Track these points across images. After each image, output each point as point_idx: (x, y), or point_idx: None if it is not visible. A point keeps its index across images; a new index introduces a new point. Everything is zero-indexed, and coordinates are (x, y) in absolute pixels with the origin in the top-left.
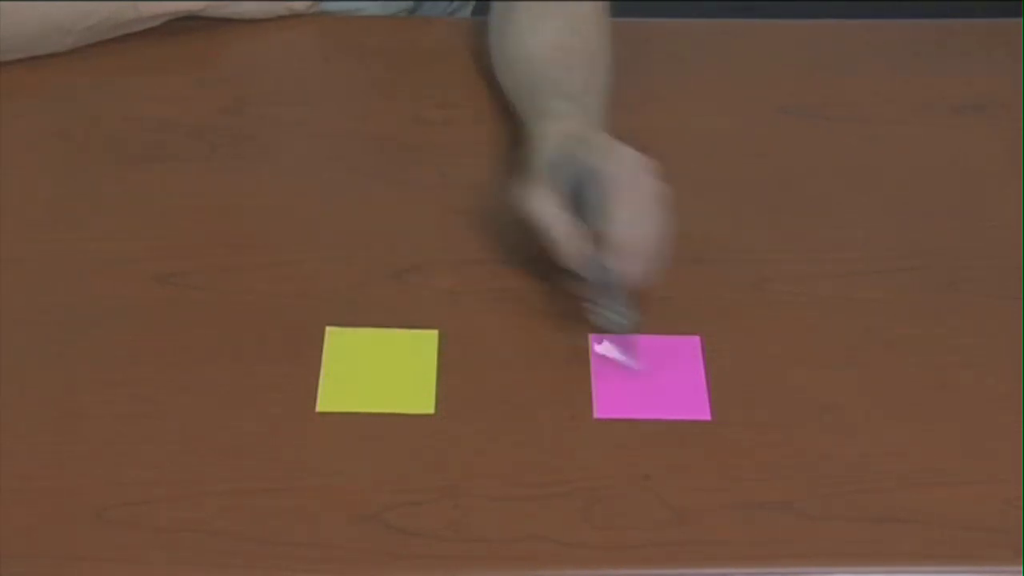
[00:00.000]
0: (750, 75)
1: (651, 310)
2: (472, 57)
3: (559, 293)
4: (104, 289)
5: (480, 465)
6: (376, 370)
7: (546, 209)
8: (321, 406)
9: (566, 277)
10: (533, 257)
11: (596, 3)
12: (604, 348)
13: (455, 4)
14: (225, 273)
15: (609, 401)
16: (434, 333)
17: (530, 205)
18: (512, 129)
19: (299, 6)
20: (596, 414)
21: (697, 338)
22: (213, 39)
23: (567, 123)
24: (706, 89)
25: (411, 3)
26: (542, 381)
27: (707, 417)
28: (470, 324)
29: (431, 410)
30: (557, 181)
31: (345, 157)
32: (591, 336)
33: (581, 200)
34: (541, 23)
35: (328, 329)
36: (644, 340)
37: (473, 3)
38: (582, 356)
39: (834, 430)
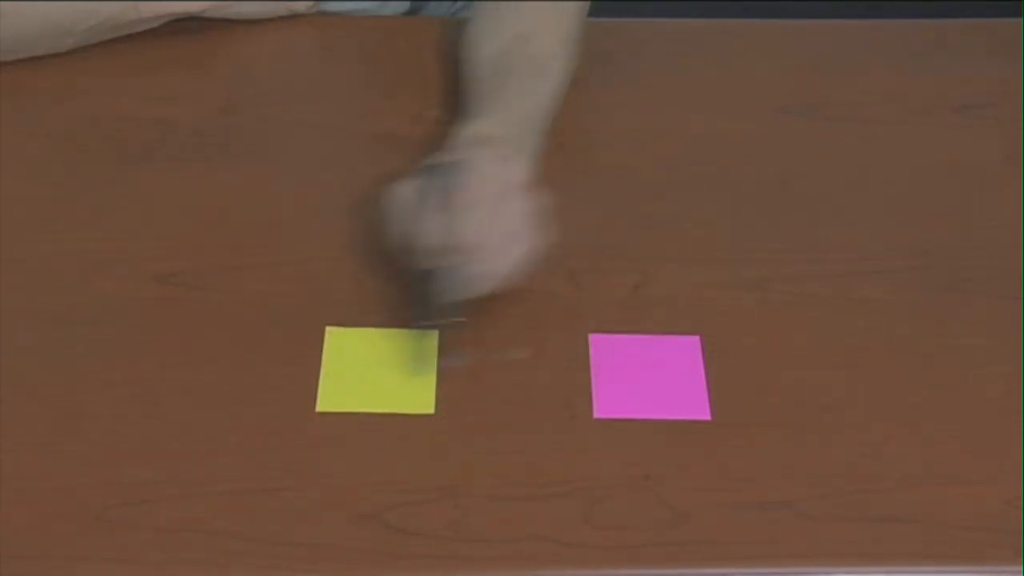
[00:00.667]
0: (750, 75)
1: (651, 310)
2: None
3: (559, 293)
4: (104, 289)
5: (480, 465)
6: (376, 370)
7: (396, 203)
8: (321, 406)
9: (406, 276)
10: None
11: (559, 5)
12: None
13: (455, 4)
14: (225, 273)
15: (609, 401)
16: (434, 333)
17: (386, 199)
18: None
19: (299, 6)
20: (596, 414)
21: (697, 338)
22: (213, 39)
23: (480, 124)
24: (706, 89)
25: (411, 3)
26: (542, 381)
27: (707, 417)
28: (470, 324)
29: (431, 410)
30: (427, 179)
31: (345, 157)
32: (592, 345)
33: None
34: (490, 27)
35: (328, 329)
36: (644, 340)
37: (474, 3)
38: (582, 356)
39: (834, 430)
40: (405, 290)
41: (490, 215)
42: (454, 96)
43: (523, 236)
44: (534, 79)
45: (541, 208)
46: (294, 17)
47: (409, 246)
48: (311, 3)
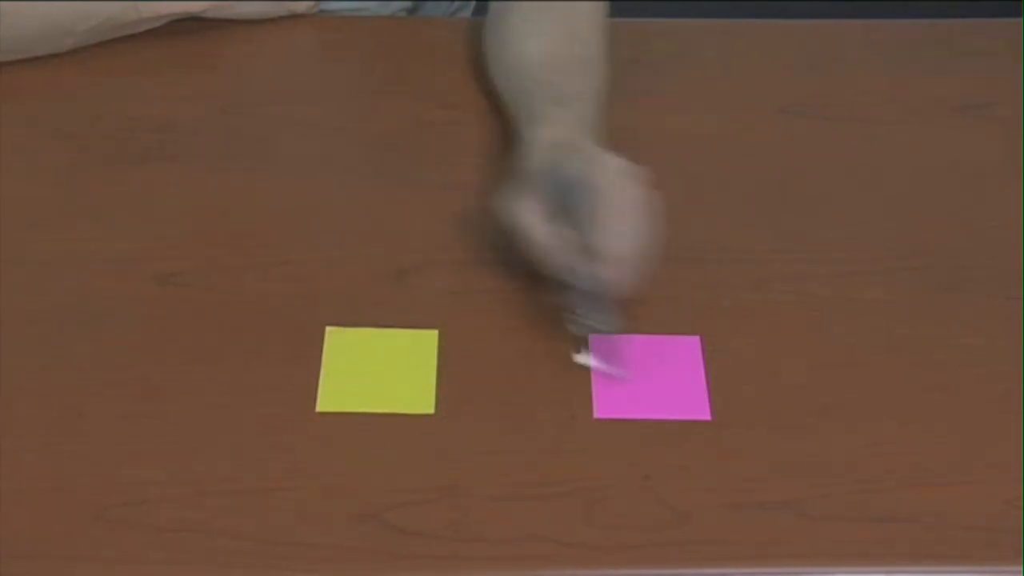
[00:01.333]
0: (750, 75)
1: (651, 310)
2: (473, 57)
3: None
4: (104, 289)
5: (480, 465)
6: (376, 370)
7: (528, 217)
8: (321, 406)
9: (547, 285)
10: (521, 262)
11: (595, 4)
12: (583, 358)
13: (455, 4)
14: (225, 273)
15: (609, 401)
16: (434, 333)
17: (513, 213)
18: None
19: (299, 7)
20: (596, 414)
21: (697, 338)
22: (213, 39)
23: (556, 129)
24: (706, 89)
25: (411, 3)
26: (542, 381)
27: (707, 417)
28: (470, 324)
29: (431, 410)
30: (542, 189)
31: (345, 157)
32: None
33: (568, 209)
34: (537, 27)
35: (328, 329)
36: (644, 340)
37: (474, 3)
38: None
39: (834, 430)
40: (554, 299)
41: (632, 224)
42: (455, 95)
43: (651, 238)
44: (589, 80)
45: (655, 208)
46: (294, 17)
47: (553, 260)
48: (311, 3)
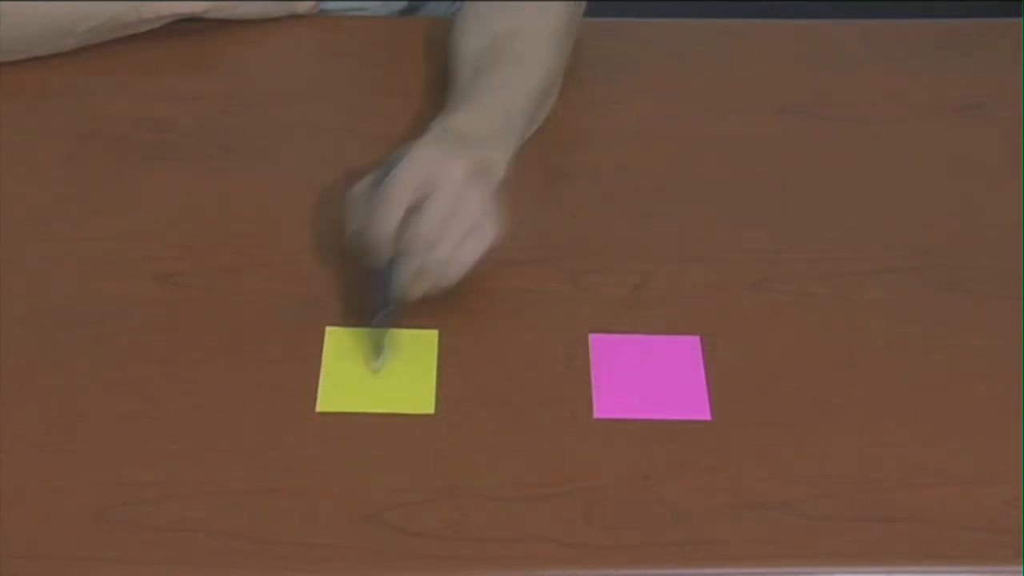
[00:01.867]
0: (750, 75)
1: (651, 310)
2: None
3: (559, 293)
4: (104, 289)
5: (480, 465)
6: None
7: (357, 193)
8: (321, 406)
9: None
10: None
11: (551, 6)
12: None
13: (455, 4)
14: (225, 273)
15: (609, 401)
16: (434, 333)
17: (352, 190)
18: None
19: (300, 7)
20: (596, 414)
21: (697, 338)
22: (213, 39)
23: (449, 119)
24: (706, 89)
25: (411, 3)
26: (542, 381)
27: (707, 417)
28: (470, 324)
29: (431, 410)
30: (383, 173)
31: (345, 157)
32: (592, 345)
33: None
34: (481, 24)
35: (328, 329)
36: (644, 340)
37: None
38: (582, 356)
39: (834, 430)
40: (367, 285)
41: (445, 208)
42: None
43: (481, 228)
44: (514, 74)
45: (497, 200)
46: (294, 17)
47: (364, 242)
48: (311, 3)
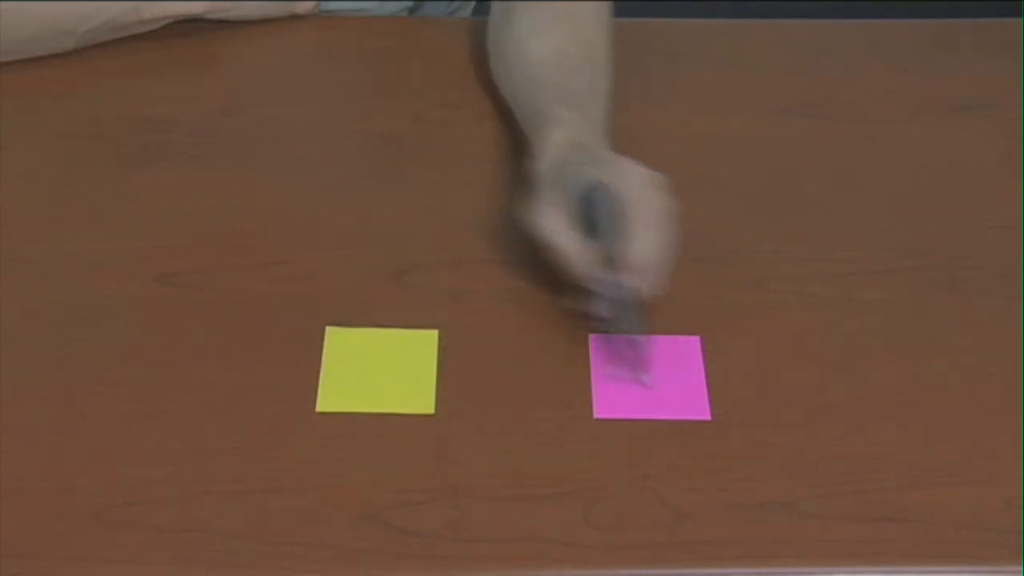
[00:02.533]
0: (750, 75)
1: (651, 310)
2: (472, 57)
3: (559, 293)
4: (104, 289)
5: (480, 465)
6: (376, 370)
7: (554, 228)
8: (321, 406)
9: (571, 292)
10: (536, 261)
11: (599, 5)
12: (613, 369)
13: (455, 4)
14: (225, 273)
15: (609, 401)
16: (434, 333)
17: (539, 224)
18: (512, 129)
19: (300, 7)
20: (596, 414)
21: (697, 338)
22: (213, 39)
23: (567, 131)
24: (706, 89)
25: (411, 3)
26: (542, 381)
27: (707, 417)
28: (470, 324)
29: (431, 410)
30: (562, 194)
31: (345, 157)
32: (592, 345)
33: (589, 214)
34: (542, 27)
35: (328, 329)
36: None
37: (473, 3)
38: (582, 356)
39: (834, 430)
40: (580, 305)
41: (658, 234)
42: (454, 95)
43: (673, 245)
44: (595, 81)
45: (675, 215)
46: (294, 17)
47: (578, 270)
48: (311, 3)
